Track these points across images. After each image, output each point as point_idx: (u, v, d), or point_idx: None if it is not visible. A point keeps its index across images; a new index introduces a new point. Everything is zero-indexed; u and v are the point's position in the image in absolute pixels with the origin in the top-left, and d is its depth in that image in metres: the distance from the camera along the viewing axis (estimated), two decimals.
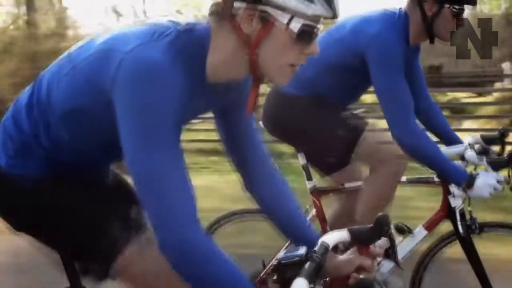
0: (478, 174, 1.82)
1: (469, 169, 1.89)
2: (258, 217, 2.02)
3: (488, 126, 7.17)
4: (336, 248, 1.55)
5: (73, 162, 1.18)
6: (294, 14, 0.99)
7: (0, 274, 2.91)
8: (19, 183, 1.16)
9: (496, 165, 1.84)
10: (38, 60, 10.93)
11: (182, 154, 1.01)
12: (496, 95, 9.88)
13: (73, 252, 1.20)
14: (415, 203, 3.77)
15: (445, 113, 3.79)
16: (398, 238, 1.92)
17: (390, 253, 1.09)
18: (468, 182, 1.80)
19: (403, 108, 1.83)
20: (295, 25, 1.00)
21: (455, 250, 1.95)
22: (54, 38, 11.93)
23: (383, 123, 1.97)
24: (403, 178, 2.04)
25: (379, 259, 1.15)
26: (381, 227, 1.05)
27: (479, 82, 10.16)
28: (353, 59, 1.90)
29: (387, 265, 1.88)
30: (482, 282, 1.88)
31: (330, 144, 1.99)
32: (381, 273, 1.88)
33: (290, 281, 0.91)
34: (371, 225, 1.06)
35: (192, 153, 6.62)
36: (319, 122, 2.01)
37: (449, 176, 1.84)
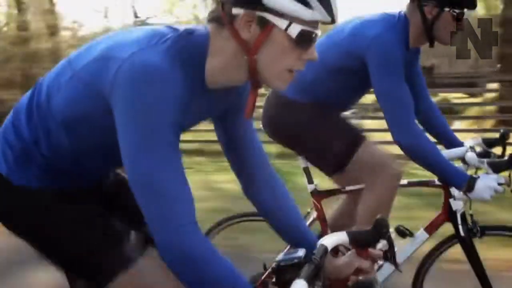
0: (478, 176, 1.82)
1: (470, 171, 1.89)
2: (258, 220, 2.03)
3: (474, 127, 7.16)
4: (337, 251, 1.56)
5: (73, 169, 1.18)
6: (292, 20, 1.00)
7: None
8: (19, 194, 1.17)
9: (497, 167, 1.84)
10: (28, 60, 10.99)
11: (181, 156, 1.01)
12: (488, 95, 9.92)
13: (69, 268, 1.21)
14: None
15: None
16: (399, 241, 1.92)
17: (388, 255, 1.10)
18: (469, 184, 1.80)
19: (403, 110, 1.83)
20: (294, 31, 1.00)
21: (456, 252, 1.95)
22: (45, 39, 11.98)
23: (378, 124, 1.97)
24: (404, 181, 2.05)
25: (380, 262, 1.16)
26: (379, 230, 1.05)
27: (471, 83, 10.14)
28: (353, 61, 1.90)
29: (386, 268, 1.88)
30: (483, 285, 1.87)
31: (329, 148, 1.99)
32: (380, 276, 1.89)
33: (289, 283, 0.92)
34: (370, 228, 1.06)
35: None
36: (318, 127, 2.01)
37: (450, 178, 1.84)
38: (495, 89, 8.99)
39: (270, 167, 1.29)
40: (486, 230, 1.90)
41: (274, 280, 0.97)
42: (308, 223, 2.15)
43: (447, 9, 1.82)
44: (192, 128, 1.23)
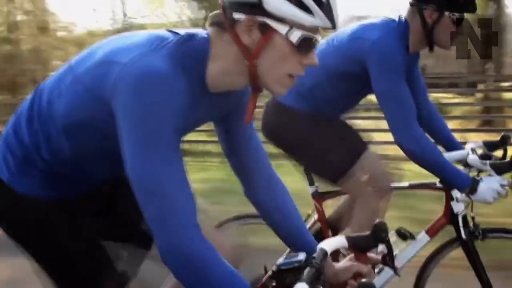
0: (481, 178, 1.82)
1: (472, 174, 1.89)
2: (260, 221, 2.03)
3: (459, 127, 7.24)
4: (337, 254, 1.56)
5: (73, 174, 1.19)
6: (293, 25, 1.01)
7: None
8: (19, 201, 1.17)
9: (499, 169, 1.84)
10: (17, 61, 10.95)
11: (182, 159, 1.02)
12: (479, 95, 9.98)
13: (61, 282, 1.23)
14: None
15: None
16: (400, 244, 1.92)
17: (387, 259, 1.10)
18: (471, 187, 1.80)
19: (405, 112, 1.84)
20: (295, 36, 1.01)
21: (457, 255, 1.95)
22: (36, 39, 11.95)
23: (375, 124, 1.97)
24: (405, 183, 2.05)
25: (380, 266, 1.16)
26: (378, 234, 1.05)
27: (461, 83, 10.15)
28: (353, 66, 1.90)
29: (387, 272, 1.88)
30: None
31: (327, 160, 1.99)
32: (381, 280, 1.89)
33: (289, 286, 0.92)
34: (368, 232, 1.07)
35: None
36: (317, 138, 2.00)
37: (452, 180, 1.84)
38: (484, 89, 9.07)
39: (270, 168, 1.29)
40: (488, 233, 1.90)
41: (274, 283, 0.97)
42: (309, 225, 2.15)
43: (447, 13, 1.82)
44: None
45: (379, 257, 1.12)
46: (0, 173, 1.18)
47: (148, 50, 1.01)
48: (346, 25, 2.01)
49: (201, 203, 1.08)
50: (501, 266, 2.46)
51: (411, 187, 2.06)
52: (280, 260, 0.98)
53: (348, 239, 1.08)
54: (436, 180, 1.97)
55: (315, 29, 1.03)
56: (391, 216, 2.24)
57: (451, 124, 8.16)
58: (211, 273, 0.95)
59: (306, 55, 1.04)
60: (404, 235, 1.87)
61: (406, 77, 1.86)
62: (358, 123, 2.33)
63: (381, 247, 1.10)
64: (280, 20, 1.00)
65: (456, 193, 1.91)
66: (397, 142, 1.86)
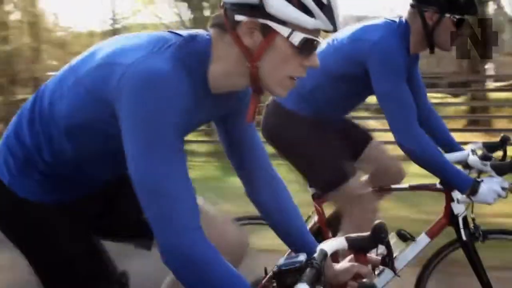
0: (482, 180, 1.82)
1: (472, 176, 1.88)
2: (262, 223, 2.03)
3: (449, 127, 7.29)
4: (337, 255, 1.56)
5: (75, 175, 1.19)
6: (295, 28, 1.01)
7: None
8: (19, 204, 1.17)
9: (500, 170, 1.83)
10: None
11: (186, 161, 1.02)
12: (465, 97, 10.04)
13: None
14: None
15: None
16: (400, 245, 1.92)
17: (387, 261, 1.10)
18: (472, 188, 1.79)
19: (405, 113, 1.84)
20: (296, 39, 1.01)
21: (458, 257, 1.95)
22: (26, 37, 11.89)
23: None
24: (405, 185, 2.05)
25: (380, 267, 1.16)
26: (378, 235, 1.06)
27: (456, 83, 10.16)
28: (353, 67, 1.91)
29: (387, 273, 1.88)
30: None
31: (321, 170, 1.99)
32: (381, 281, 1.88)
33: (290, 287, 0.92)
34: (368, 233, 1.07)
35: None
36: (315, 145, 2.00)
37: (453, 181, 1.84)
38: (474, 89, 9.14)
39: (271, 169, 1.30)
40: (488, 234, 1.90)
41: (274, 284, 0.97)
42: (309, 226, 2.15)
43: (447, 15, 1.82)
44: None
45: (379, 258, 1.12)
46: (1, 176, 1.18)
47: (151, 52, 1.02)
48: (345, 26, 2.01)
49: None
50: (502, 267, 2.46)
51: (411, 188, 2.06)
52: (281, 261, 0.98)
53: (348, 240, 1.08)
54: (436, 181, 1.97)
55: (316, 31, 1.04)
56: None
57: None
58: (212, 274, 0.95)
59: (307, 57, 1.05)
60: (404, 236, 1.87)
61: (406, 78, 1.86)
62: (359, 123, 2.33)
63: (381, 248, 1.11)
64: (282, 22, 1.01)
65: (456, 194, 1.91)
66: (398, 142, 1.86)
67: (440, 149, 2.00)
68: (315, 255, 0.99)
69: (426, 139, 1.85)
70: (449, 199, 1.94)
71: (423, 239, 1.96)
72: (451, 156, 1.95)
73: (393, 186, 2.11)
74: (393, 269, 1.11)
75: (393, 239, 1.15)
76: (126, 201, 1.27)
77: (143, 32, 1.15)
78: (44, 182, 1.18)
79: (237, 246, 1.39)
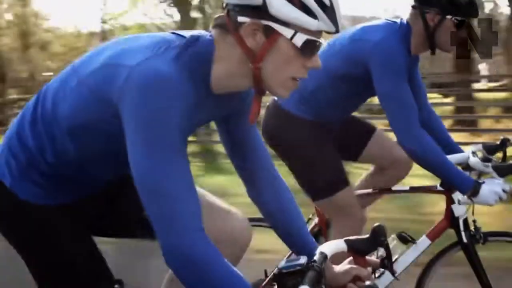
0: (483, 181, 1.82)
1: (473, 177, 1.88)
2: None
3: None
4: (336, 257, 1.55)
5: (77, 176, 1.19)
6: (297, 29, 1.01)
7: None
8: (20, 207, 1.17)
9: (501, 171, 1.83)
10: None
11: (188, 162, 1.03)
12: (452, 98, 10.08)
13: None
14: None
15: None
16: (401, 248, 1.92)
17: (386, 263, 1.10)
18: (474, 189, 1.79)
19: (407, 113, 1.84)
20: (299, 40, 1.02)
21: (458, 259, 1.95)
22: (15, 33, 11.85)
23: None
24: (406, 187, 2.05)
25: (381, 270, 1.16)
26: (377, 238, 1.06)
27: (450, 83, 10.19)
28: (355, 67, 1.90)
29: (387, 276, 1.87)
30: None
31: (317, 177, 1.98)
32: (381, 284, 1.88)
33: None
34: (367, 236, 1.07)
35: None
36: (313, 150, 1.99)
37: (455, 182, 1.83)
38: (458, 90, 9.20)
39: (274, 169, 1.30)
40: (489, 236, 1.90)
41: (275, 287, 0.97)
42: (310, 228, 2.15)
43: (449, 16, 1.82)
44: None
45: (378, 260, 1.12)
46: (3, 178, 1.18)
47: (156, 54, 1.02)
48: (348, 28, 2.01)
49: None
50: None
51: (412, 190, 2.06)
52: (282, 263, 0.98)
53: (347, 242, 1.08)
54: (437, 183, 1.97)
55: (318, 33, 1.04)
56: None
57: None
58: (212, 274, 0.95)
59: (309, 58, 1.05)
60: (404, 239, 1.87)
61: (407, 79, 1.86)
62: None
63: (381, 251, 1.10)
64: (285, 24, 1.01)
65: (457, 196, 1.90)
66: (399, 142, 1.86)
67: None
68: (315, 257, 0.99)
69: (427, 139, 1.84)
70: (450, 201, 1.94)
71: (423, 241, 1.96)
72: (451, 158, 1.95)
73: (394, 188, 2.11)
74: (392, 271, 1.11)
75: (393, 241, 1.14)
76: (127, 201, 1.26)
77: (143, 33, 1.16)
78: (45, 184, 1.18)
79: (240, 234, 1.38)
